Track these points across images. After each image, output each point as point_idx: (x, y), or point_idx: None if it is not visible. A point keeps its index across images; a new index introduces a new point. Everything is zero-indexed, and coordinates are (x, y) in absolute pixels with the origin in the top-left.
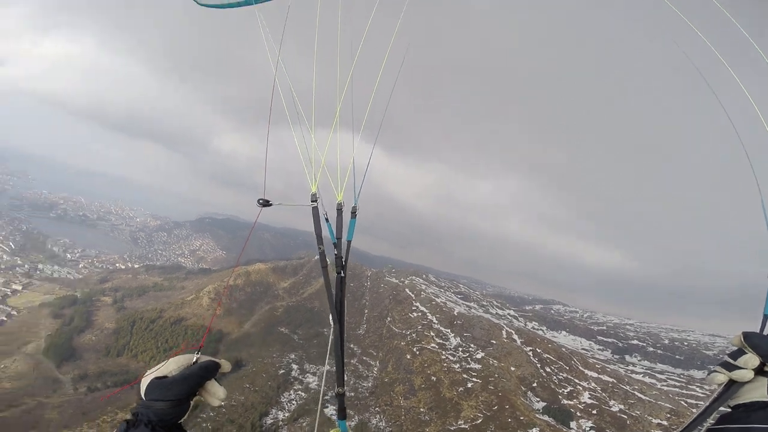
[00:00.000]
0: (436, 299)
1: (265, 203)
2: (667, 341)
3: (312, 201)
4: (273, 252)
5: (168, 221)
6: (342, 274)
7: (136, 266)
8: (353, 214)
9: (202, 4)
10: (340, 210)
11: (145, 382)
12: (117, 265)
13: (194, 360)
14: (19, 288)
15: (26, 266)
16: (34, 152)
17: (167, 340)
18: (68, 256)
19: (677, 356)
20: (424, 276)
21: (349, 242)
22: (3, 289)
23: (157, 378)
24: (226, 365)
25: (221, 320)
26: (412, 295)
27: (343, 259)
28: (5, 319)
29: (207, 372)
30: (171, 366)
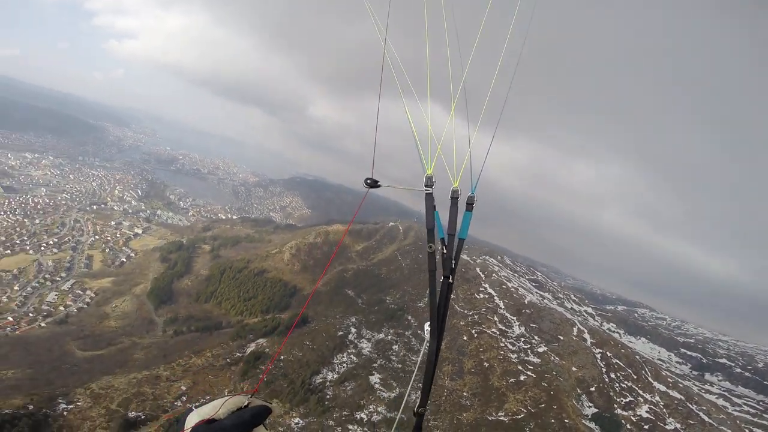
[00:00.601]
0: (508, 283)
1: (373, 184)
2: (761, 365)
3: (426, 186)
4: (353, 214)
5: (265, 178)
6: (450, 279)
7: (234, 217)
8: (470, 205)
9: None
10: (455, 198)
11: (191, 421)
12: (219, 215)
13: (246, 403)
14: (140, 232)
15: (148, 212)
16: (162, 114)
17: (248, 290)
18: (181, 204)
19: (766, 381)
20: (498, 257)
21: (461, 240)
22: (128, 232)
23: (205, 422)
24: (277, 410)
25: (297, 275)
26: (482, 275)
27: (453, 261)
28: (125, 260)
29: (258, 419)
30: (220, 407)
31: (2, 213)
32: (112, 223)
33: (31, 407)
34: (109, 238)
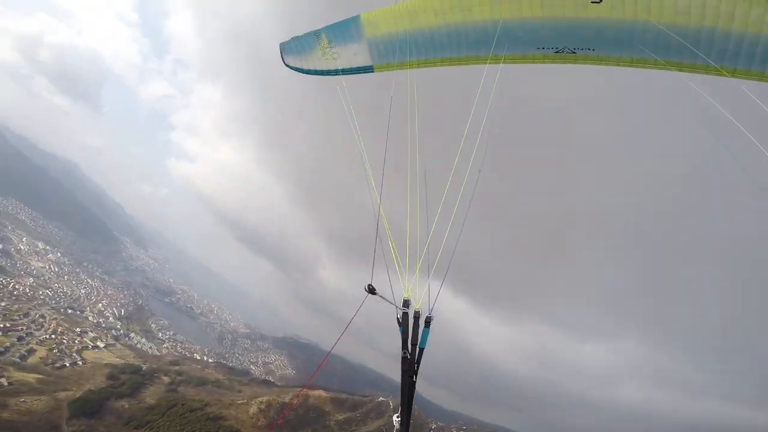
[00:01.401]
0: None
1: (371, 290)
2: None
3: (404, 306)
4: (339, 383)
5: (256, 332)
6: (413, 379)
7: (209, 360)
8: (427, 323)
9: (288, 66)
10: (416, 317)
11: None
12: (195, 355)
13: None
14: (102, 345)
15: (121, 332)
16: (177, 243)
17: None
18: (160, 335)
19: None
20: None
21: (421, 350)
22: (88, 342)
23: None
24: None
25: (259, 430)
26: None
27: (416, 365)
28: (68, 365)
29: None
30: None
31: None
32: (77, 329)
33: None
34: (64, 341)
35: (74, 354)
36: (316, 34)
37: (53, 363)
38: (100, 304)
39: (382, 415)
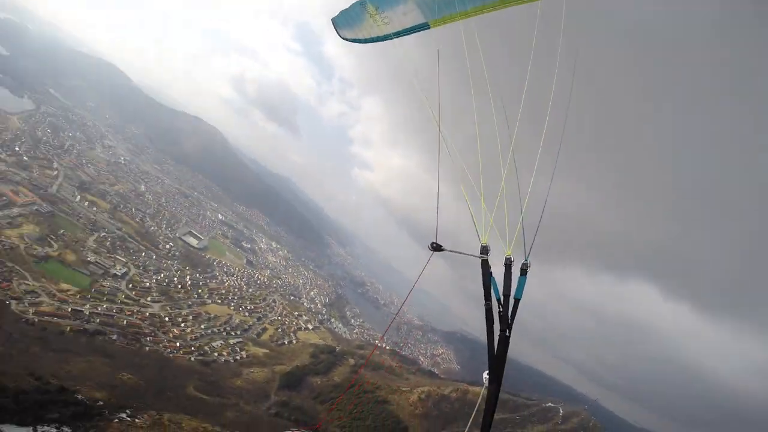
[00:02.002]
0: None
1: (437, 247)
2: None
3: (482, 253)
4: (508, 385)
5: (428, 325)
6: (507, 333)
7: (387, 347)
8: (523, 271)
9: (345, 38)
10: (508, 265)
11: None
12: (376, 341)
13: None
14: (310, 327)
15: (326, 316)
16: (367, 242)
17: (362, 411)
18: (352, 321)
19: None
20: None
21: (517, 300)
22: (302, 324)
23: None
24: None
25: (414, 419)
26: None
27: (510, 317)
28: (285, 343)
29: None
30: None
31: (236, 276)
32: (296, 313)
33: (101, 403)
34: (285, 322)
35: (291, 334)
36: (361, 3)
37: (277, 341)
38: (312, 292)
39: (546, 420)
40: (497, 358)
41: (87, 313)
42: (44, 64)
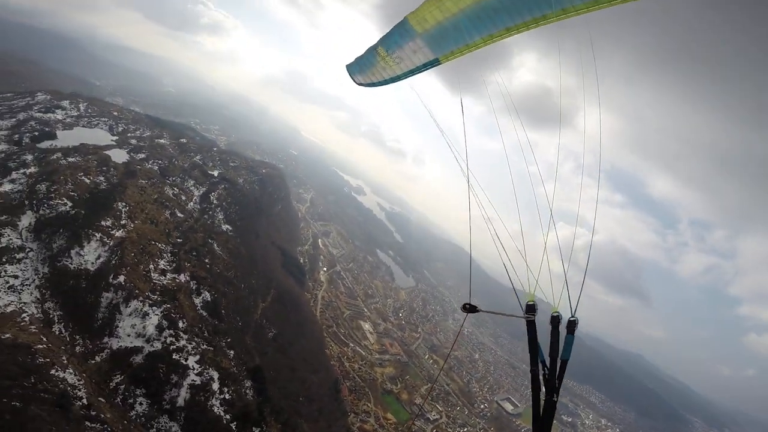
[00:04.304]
0: None
1: (471, 309)
2: None
3: (528, 312)
4: None
5: None
6: (555, 398)
7: None
8: (570, 329)
9: (360, 84)
10: (555, 323)
11: None
12: None
13: None
14: None
15: None
16: None
17: None
18: None
19: None
20: None
21: (565, 362)
22: None
23: None
24: None
25: None
26: None
27: (557, 381)
28: None
29: None
30: None
31: None
32: None
33: None
34: None
35: None
36: (373, 48)
37: None
38: None
39: None
40: (543, 424)
41: None
42: (420, 248)
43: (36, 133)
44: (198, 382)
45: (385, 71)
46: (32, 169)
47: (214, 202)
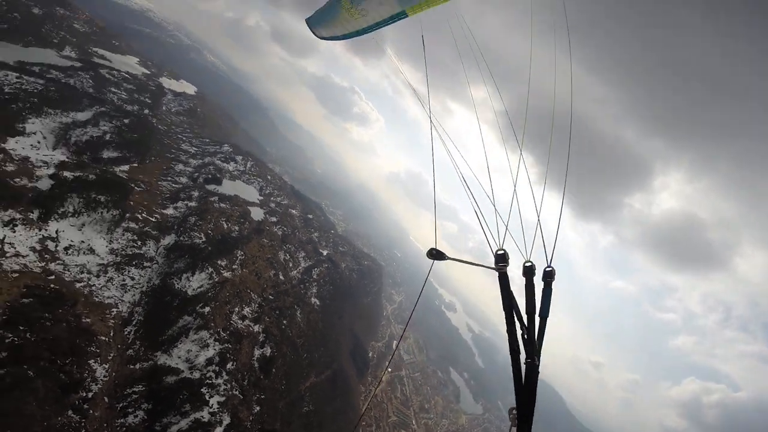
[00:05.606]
0: None
1: (438, 255)
2: None
3: (499, 263)
4: None
5: None
6: (536, 361)
7: None
8: (547, 282)
9: (321, 37)
10: (529, 276)
11: None
12: None
13: None
14: None
15: None
16: None
17: None
18: None
19: None
20: None
21: (543, 319)
22: None
23: None
24: None
25: None
26: None
27: (537, 342)
28: None
29: None
30: None
31: None
32: None
33: None
34: None
35: None
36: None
37: None
38: None
39: None
40: (527, 391)
41: None
42: (502, 379)
43: (209, 176)
44: (205, 419)
45: (350, 24)
46: (193, 204)
47: (314, 276)
